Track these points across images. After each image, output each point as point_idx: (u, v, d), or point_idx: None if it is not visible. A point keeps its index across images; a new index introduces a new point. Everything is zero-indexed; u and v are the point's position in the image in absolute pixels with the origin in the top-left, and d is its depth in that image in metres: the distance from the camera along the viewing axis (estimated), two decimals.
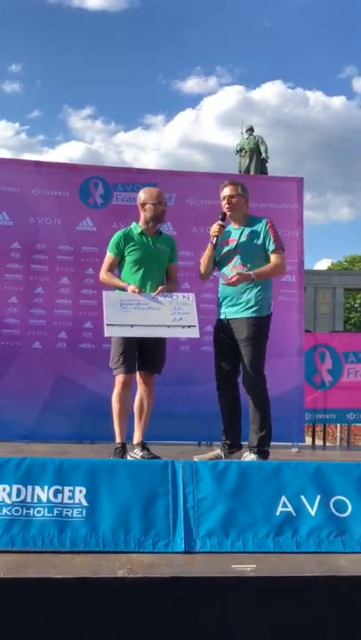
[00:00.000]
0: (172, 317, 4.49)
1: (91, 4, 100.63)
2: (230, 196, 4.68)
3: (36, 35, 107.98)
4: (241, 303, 4.58)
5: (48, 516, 2.79)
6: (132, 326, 4.43)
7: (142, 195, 4.80)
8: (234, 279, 4.50)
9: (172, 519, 2.85)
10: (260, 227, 4.64)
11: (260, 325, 4.55)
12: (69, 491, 2.85)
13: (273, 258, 4.60)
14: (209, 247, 4.71)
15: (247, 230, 4.65)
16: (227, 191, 4.69)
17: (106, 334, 4.51)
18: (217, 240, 4.68)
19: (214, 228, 4.67)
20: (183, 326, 4.50)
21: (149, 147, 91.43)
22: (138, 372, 4.70)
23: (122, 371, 4.56)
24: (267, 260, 4.61)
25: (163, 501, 2.88)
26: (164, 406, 5.27)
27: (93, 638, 2.35)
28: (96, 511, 2.82)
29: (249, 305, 4.56)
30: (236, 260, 4.62)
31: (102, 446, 5.07)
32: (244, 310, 4.57)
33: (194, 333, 4.54)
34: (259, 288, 4.57)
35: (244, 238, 4.64)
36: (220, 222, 4.67)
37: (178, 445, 5.66)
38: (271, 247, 4.60)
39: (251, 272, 4.55)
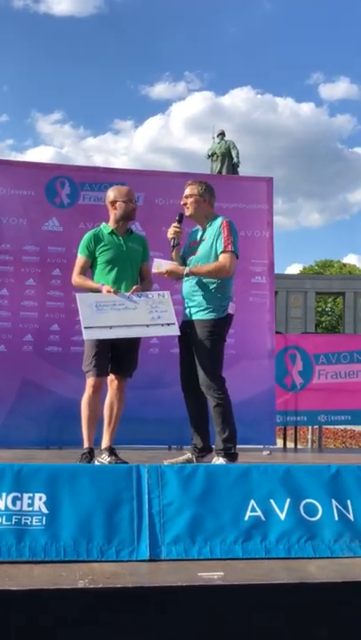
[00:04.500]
0: (150, 316, 4.40)
1: (57, 9, 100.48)
2: (186, 196, 4.60)
3: (1, 39, 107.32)
4: (195, 304, 4.51)
5: (6, 524, 2.65)
6: (110, 327, 4.32)
7: (112, 193, 4.69)
8: (163, 270, 4.43)
9: (136, 526, 2.74)
10: (215, 227, 4.54)
11: (214, 328, 4.45)
12: (29, 498, 2.72)
13: (220, 258, 4.46)
14: (172, 250, 4.64)
15: (207, 231, 4.58)
16: (185, 191, 4.62)
17: (85, 338, 4.39)
18: (174, 242, 4.60)
19: (170, 230, 4.59)
20: (163, 324, 4.42)
21: (119, 151, 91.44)
22: (110, 376, 4.58)
23: (94, 373, 4.45)
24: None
25: (127, 507, 2.77)
26: (133, 410, 5.17)
27: None
28: (57, 519, 2.70)
29: (201, 307, 4.49)
30: (193, 262, 4.55)
31: (70, 452, 4.95)
32: (197, 312, 4.50)
33: (174, 331, 4.46)
34: (211, 289, 4.48)
35: (203, 239, 4.57)
36: (174, 225, 4.59)
37: (148, 450, 5.56)
38: (219, 248, 4.46)
39: (186, 268, 4.47)
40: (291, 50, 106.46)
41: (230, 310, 4.56)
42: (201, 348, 4.43)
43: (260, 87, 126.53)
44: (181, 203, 4.65)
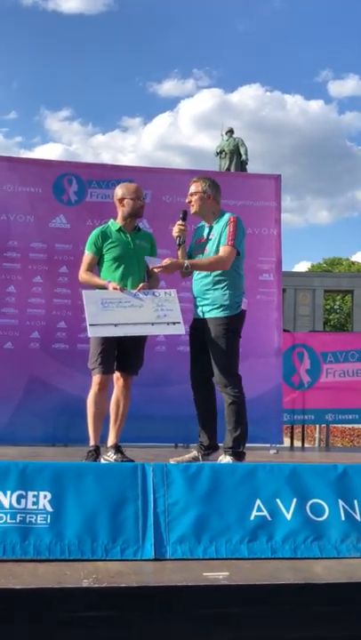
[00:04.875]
0: (156, 314, 4.37)
1: (66, 7, 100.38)
2: (191, 194, 4.58)
3: (11, 36, 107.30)
4: (207, 303, 4.48)
5: (10, 522, 2.64)
6: (115, 325, 4.30)
7: (120, 190, 4.67)
8: (164, 264, 4.40)
9: (141, 525, 2.72)
10: (222, 224, 4.51)
11: (228, 325, 4.43)
12: (33, 496, 2.71)
13: (220, 250, 4.44)
14: (178, 248, 4.62)
15: (214, 228, 4.55)
16: (190, 189, 4.60)
17: (90, 335, 4.37)
18: (180, 240, 4.57)
19: (175, 228, 4.57)
20: (168, 323, 4.38)
21: (127, 149, 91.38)
22: (115, 373, 4.57)
23: (100, 371, 4.43)
24: None
25: (132, 506, 2.76)
26: (140, 408, 5.16)
27: None
28: (61, 517, 2.69)
29: (215, 304, 4.45)
30: (201, 258, 4.52)
31: (76, 449, 4.94)
32: (211, 310, 4.47)
33: (179, 330, 4.43)
34: (223, 286, 4.45)
35: (210, 237, 4.54)
36: (179, 222, 4.57)
37: (154, 448, 5.55)
38: (223, 242, 4.43)
39: (186, 261, 4.45)
40: (299, 47, 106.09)
41: (243, 306, 4.54)
42: (217, 346, 4.41)
43: (269, 84, 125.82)
44: (186, 200, 4.63)
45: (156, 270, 4.48)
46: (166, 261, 4.42)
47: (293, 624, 2.42)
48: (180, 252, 4.63)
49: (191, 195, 4.59)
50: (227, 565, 2.64)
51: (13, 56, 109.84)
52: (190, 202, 4.59)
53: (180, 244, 4.59)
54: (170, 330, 4.47)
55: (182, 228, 4.57)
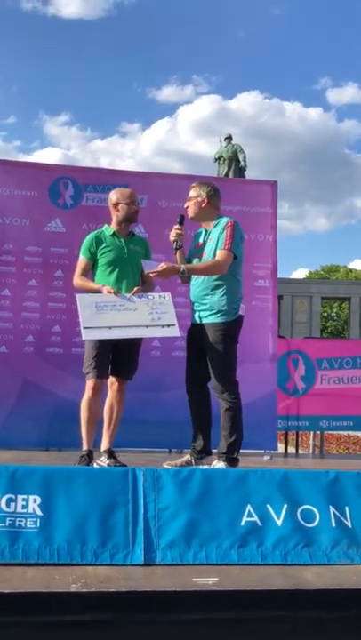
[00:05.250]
0: (151, 317, 4.37)
1: (66, 12, 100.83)
2: (188, 199, 4.59)
3: (10, 40, 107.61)
4: (205, 308, 4.48)
5: (0, 526, 2.63)
6: (110, 328, 4.29)
7: (114, 195, 4.68)
8: (160, 269, 4.40)
9: (131, 530, 2.71)
10: (219, 228, 4.50)
11: (226, 330, 4.42)
12: (23, 500, 2.70)
13: (216, 254, 4.42)
14: (175, 252, 4.62)
15: (211, 233, 4.55)
16: (189, 194, 4.61)
17: (84, 338, 4.37)
18: (177, 244, 4.57)
19: (172, 232, 4.57)
20: (163, 325, 4.38)
21: (126, 154, 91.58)
22: (110, 378, 4.56)
23: (94, 375, 4.43)
24: None
25: (122, 511, 2.74)
26: (134, 412, 5.14)
27: None
28: (51, 521, 2.67)
29: (212, 310, 4.45)
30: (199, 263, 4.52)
31: (70, 453, 4.92)
32: (209, 315, 4.46)
33: (174, 332, 4.42)
34: (220, 291, 4.44)
35: (208, 241, 4.54)
36: (176, 227, 4.57)
37: (148, 453, 5.53)
38: (220, 246, 4.41)
39: (182, 265, 4.44)
40: (299, 54, 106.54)
41: (241, 312, 4.54)
42: (214, 351, 4.40)
43: (268, 91, 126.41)
44: (184, 205, 4.64)
45: (151, 275, 4.47)
46: (162, 266, 4.42)
47: (284, 630, 2.41)
48: (178, 256, 4.63)
49: (189, 199, 4.60)
50: (216, 571, 2.62)
51: (13, 60, 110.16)
52: (187, 207, 4.61)
53: (177, 249, 4.59)
54: (165, 332, 4.46)
55: (179, 232, 4.57)
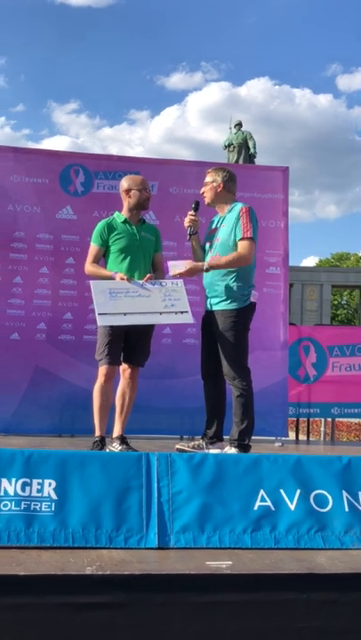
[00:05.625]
0: (164, 304, 4.38)
1: (74, 0, 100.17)
2: (205, 184, 4.59)
3: (19, 28, 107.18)
4: (216, 295, 4.48)
5: (15, 509, 2.65)
6: (124, 314, 4.30)
7: (126, 182, 4.67)
8: (183, 270, 4.40)
9: (145, 514, 2.72)
10: (234, 214, 4.48)
11: (236, 317, 4.41)
12: (38, 484, 2.71)
13: (238, 246, 4.40)
14: (189, 238, 4.62)
15: (226, 218, 4.53)
16: (205, 179, 4.60)
17: (99, 324, 4.38)
18: (191, 230, 4.56)
19: (186, 218, 4.57)
20: (176, 312, 4.39)
21: (135, 142, 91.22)
22: (122, 365, 4.58)
23: (106, 362, 4.45)
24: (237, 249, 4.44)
25: (136, 495, 2.76)
26: (145, 400, 5.18)
27: (57, 638, 2.23)
28: (66, 505, 2.69)
29: (223, 297, 4.45)
30: (214, 249, 4.51)
31: (82, 440, 4.96)
32: (219, 303, 4.47)
33: (187, 319, 4.44)
34: (231, 278, 4.43)
35: (222, 227, 4.52)
36: (190, 213, 4.56)
37: (159, 439, 5.55)
38: (238, 235, 4.39)
39: (205, 263, 4.43)
40: (309, 40, 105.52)
41: (253, 299, 4.53)
42: (225, 338, 4.40)
43: (278, 78, 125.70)
44: (200, 191, 4.63)
45: (178, 275, 4.46)
46: (187, 266, 4.42)
47: (297, 614, 2.42)
48: (194, 243, 4.63)
49: (205, 185, 4.59)
50: (230, 555, 2.64)
51: (21, 49, 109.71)
52: (203, 193, 4.59)
53: (191, 234, 4.59)
54: (178, 319, 4.47)
55: (193, 218, 4.57)
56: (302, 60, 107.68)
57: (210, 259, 4.50)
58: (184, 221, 4.60)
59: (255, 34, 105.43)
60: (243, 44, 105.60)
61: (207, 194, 4.56)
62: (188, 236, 4.60)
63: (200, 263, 4.48)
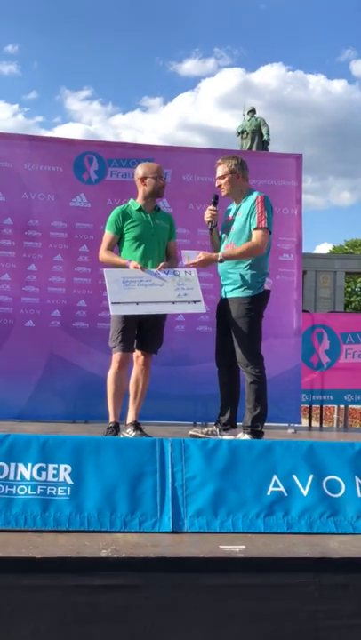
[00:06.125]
0: (177, 293, 4.40)
1: None
2: (219, 177, 4.56)
3: (31, 16, 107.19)
4: (230, 282, 4.49)
5: (32, 494, 2.70)
6: (137, 303, 4.33)
7: (141, 169, 4.67)
8: (197, 261, 4.42)
9: (159, 498, 2.77)
10: (249, 202, 4.48)
11: (250, 305, 4.43)
12: (54, 469, 2.76)
13: (252, 236, 4.41)
14: (210, 232, 4.63)
15: (242, 206, 4.53)
16: (217, 172, 4.57)
17: (112, 313, 4.41)
18: (211, 225, 4.58)
19: (206, 213, 4.57)
20: (189, 302, 4.42)
21: (147, 129, 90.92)
22: (135, 352, 4.61)
23: (120, 349, 4.48)
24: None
25: (150, 480, 2.80)
26: (159, 386, 5.20)
27: (73, 620, 2.28)
28: (81, 490, 2.74)
29: (236, 285, 4.46)
30: (229, 238, 4.52)
31: (96, 426, 5.00)
32: (233, 290, 4.48)
33: (200, 308, 4.46)
34: (245, 266, 4.44)
35: (238, 215, 4.52)
36: (210, 207, 4.56)
37: (173, 426, 5.59)
38: (253, 224, 4.39)
39: (219, 254, 4.44)
40: (322, 25, 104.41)
41: (267, 286, 4.54)
42: (238, 326, 4.42)
43: (291, 64, 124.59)
44: (216, 184, 4.61)
45: (191, 265, 4.48)
46: (200, 256, 4.44)
47: (309, 597, 2.46)
48: (214, 236, 4.65)
49: (220, 178, 4.55)
50: (243, 539, 2.67)
51: (34, 36, 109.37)
52: (220, 185, 4.57)
53: (211, 229, 4.61)
54: (191, 308, 4.50)
55: (214, 212, 4.57)
56: (316, 45, 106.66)
57: (224, 248, 4.50)
58: (204, 216, 4.60)
59: (268, 19, 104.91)
60: (256, 29, 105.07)
61: (225, 186, 4.54)
62: (209, 231, 4.62)
63: (214, 254, 4.49)
